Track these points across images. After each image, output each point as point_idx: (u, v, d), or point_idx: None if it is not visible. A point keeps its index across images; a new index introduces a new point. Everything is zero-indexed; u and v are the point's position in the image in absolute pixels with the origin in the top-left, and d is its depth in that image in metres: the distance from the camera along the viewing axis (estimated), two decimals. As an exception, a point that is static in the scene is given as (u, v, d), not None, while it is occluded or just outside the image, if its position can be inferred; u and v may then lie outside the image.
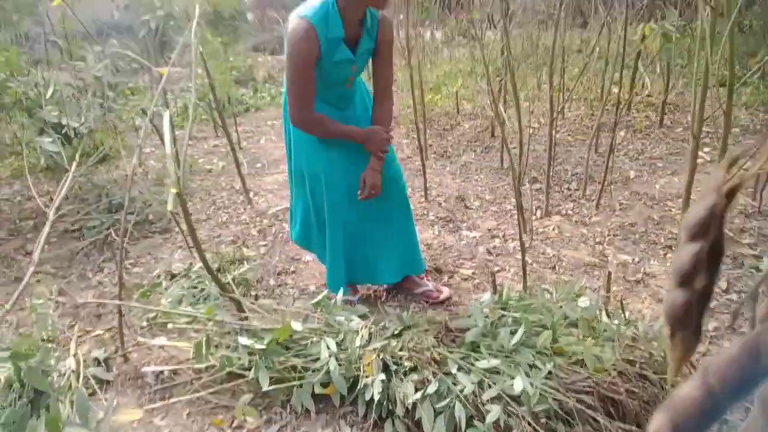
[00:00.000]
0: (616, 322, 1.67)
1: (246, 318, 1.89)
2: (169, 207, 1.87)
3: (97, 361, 1.84)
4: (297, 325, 1.80)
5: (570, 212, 2.98)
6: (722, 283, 2.22)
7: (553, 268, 2.45)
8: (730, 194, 0.34)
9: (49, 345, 1.84)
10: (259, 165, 4.02)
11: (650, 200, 3.03)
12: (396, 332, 1.82)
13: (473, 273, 2.46)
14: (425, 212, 3.08)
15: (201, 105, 4.40)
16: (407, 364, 1.67)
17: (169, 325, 2.05)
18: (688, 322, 0.35)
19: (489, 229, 2.87)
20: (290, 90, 1.76)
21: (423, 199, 3.23)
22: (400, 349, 1.73)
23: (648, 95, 4.81)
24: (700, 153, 3.65)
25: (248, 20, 10.62)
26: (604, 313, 1.73)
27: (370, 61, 1.94)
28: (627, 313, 1.79)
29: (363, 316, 1.90)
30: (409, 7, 3.79)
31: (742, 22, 5.88)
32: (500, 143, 3.78)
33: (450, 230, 2.89)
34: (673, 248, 2.40)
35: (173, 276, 2.38)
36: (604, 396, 1.43)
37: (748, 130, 3.98)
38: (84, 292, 2.43)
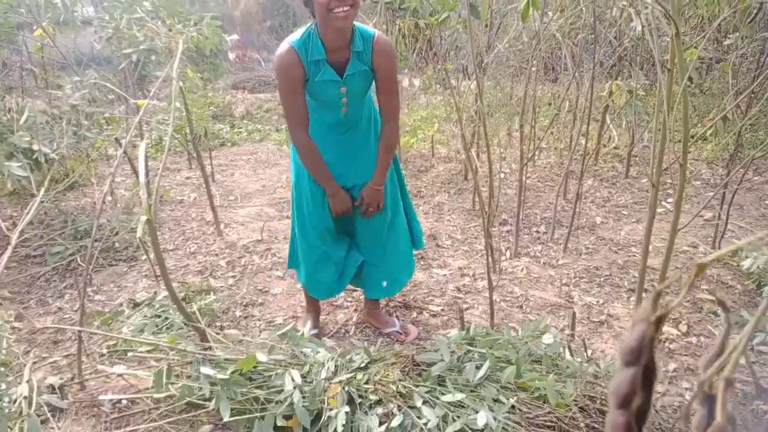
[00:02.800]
0: (578, 359, 1.69)
1: (209, 348, 1.85)
2: (139, 233, 1.86)
3: (52, 388, 1.77)
4: (261, 356, 1.77)
5: (538, 254, 3.04)
6: (682, 327, 2.28)
7: (521, 307, 2.48)
8: (658, 322, 0.38)
9: (2, 369, 1.76)
10: (231, 198, 4.01)
11: (615, 246, 3.12)
12: (362, 365, 1.80)
13: (442, 310, 2.47)
14: (397, 250, 3.10)
15: (177, 137, 4.41)
16: (372, 397, 1.66)
17: (130, 354, 2.00)
18: None
19: (459, 268, 2.90)
20: (284, 111, 1.85)
21: (395, 237, 3.26)
22: (366, 382, 1.72)
23: (615, 147, 5.02)
24: (663, 203, 3.81)
25: (229, 59, 10.82)
26: (567, 350, 1.76)
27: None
28: (589, 352, 1.82)
29: (330, 349, 1.88)
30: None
31: (703, 84, 6.25)
32: (473, 186, 3.87)
33: (421, 267, 2.91)
34: (635, 291, 2.46)
35: (136, 305, 2.33)
36: (565, 431, 1.43)
37: (708, 183, 4.17)
38: (42, 318, 2.35)
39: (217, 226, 3.25)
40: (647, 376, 0.38)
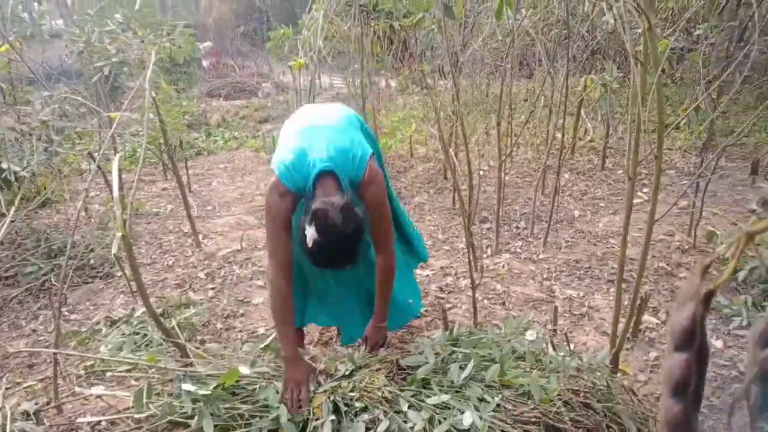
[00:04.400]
0: (561, 354, 1.70)
1: (190, 364, 1.82)
2: (114, 250, 1.82)
3: (27, 415, 1.72)
4: (244, 369, 1.74)
5: (519, 250, 3.05)
6: (661, 315, 2.30)
7: (503, 304, 2.48)
8: (707, 300, 0.35)
9: (-28, 399, 1.71)
10: (209, 208, 3.96)
11: (594, 238, 3.14)
12: (347, 373, 1.79)
13: (426, 310, 2.47)
14: (378, 253, 3.09)
15: (151, 148, 4.35)
16: (358, 404, 1.64)
17: (108, 374, 1.95)
18: (685, 427, 0.36)
19: (442, 268, 2.90)
20: (266, 242, 1.70)
21: (376, 240, 3.24)
22: (351, 390, 1.70)
23: (590, 140, 5.07)
24: (639, 193, 3.85)
25: (203, 66, 10.71)
26: (550, 345, 1.76)
27: None
28: (572, 345, 1.83)
29: (313, 359, 1.86)
30: (364, 58, 3.92)
31: (674, 74, 6.35)
32: (452, 185, 3.87)
33: (403, 270, 2.90)
34: (615, 283, 2.48)
35: (114, 322, 2.28)
36: (550, 426, 1.43)
37: (683, 172, 4.23)
38: (16, 342, 2.29)
39: (195, 238, 3.21)
40: (700, 359, 0.36)
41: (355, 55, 3.58)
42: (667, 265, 2.75)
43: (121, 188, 3.64)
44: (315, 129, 1.69)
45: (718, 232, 2.75)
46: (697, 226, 2.95)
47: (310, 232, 1.50)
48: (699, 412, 0.37)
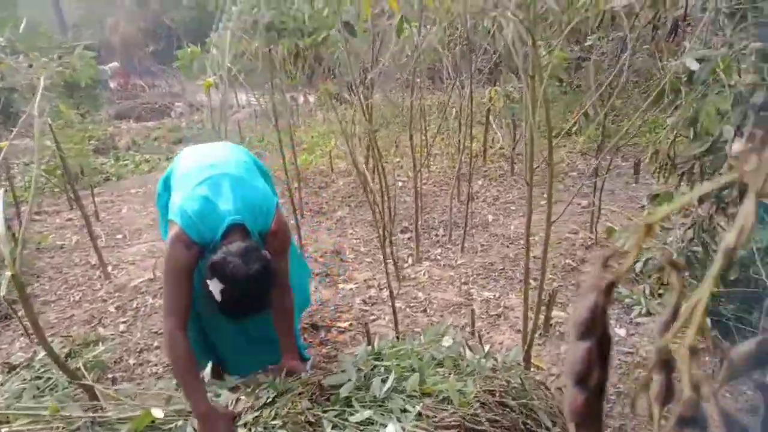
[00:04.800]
0: (477, 356, 1.76)
1: (100, 408, 1.71)
2: (2, 291, 1.69)
3: None
4: (157, 412, 1.65)
5: (438, 257, 3.13)
6: (570, 310, 2.45)
7: (425, 311, 2.54)
8: (609, 290, 0.36)
9: None
10: (119, 236, 3.75)
11: (506, 240, 3.29)
12: (269, 400, 1.75)
13: (350, 324, 2.47)
14: (300, 271, 3.07)
15: (49, 178, 4.08)
16: (281, 431, 1.61)
17: (3, 430, 1.79)
18: (590, 416, 0.37)
19: (365, 280, 2.92)
20: (164, 291, 1.62)
21: (298, 258, 3.22)
22: (274, 418, 1.67)
23: (500, 148, 5.32)
24: (545, 195, 4.07)
25: (110, 88, 10.18)
26: (467, 348, 1.82)
27: None
28: (488, 346, 1.90)
29: (233, 389, 1.81)
30: (275, 76, 3.89)
31: (572, 83, 6.80)
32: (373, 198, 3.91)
33: (327, 285, 2.90)
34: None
35: (13, 368, 2.10)
36: (470, 428, 1.48)
37: (584, 173, 4.53)
38: None
39: (103, 269, 3.03)
40: (603, 349, 0.36)
41: (266, 73, 3.55)
42: (573, 261, 2.93)
43: (20, 221, 3.38)
44: (217, 178, 1.64)
45: (615, 228, 2.96)
46: (597, 223, 3.17)
47: (214, 285, 1.46)
48: (604, 400, 0.38)
